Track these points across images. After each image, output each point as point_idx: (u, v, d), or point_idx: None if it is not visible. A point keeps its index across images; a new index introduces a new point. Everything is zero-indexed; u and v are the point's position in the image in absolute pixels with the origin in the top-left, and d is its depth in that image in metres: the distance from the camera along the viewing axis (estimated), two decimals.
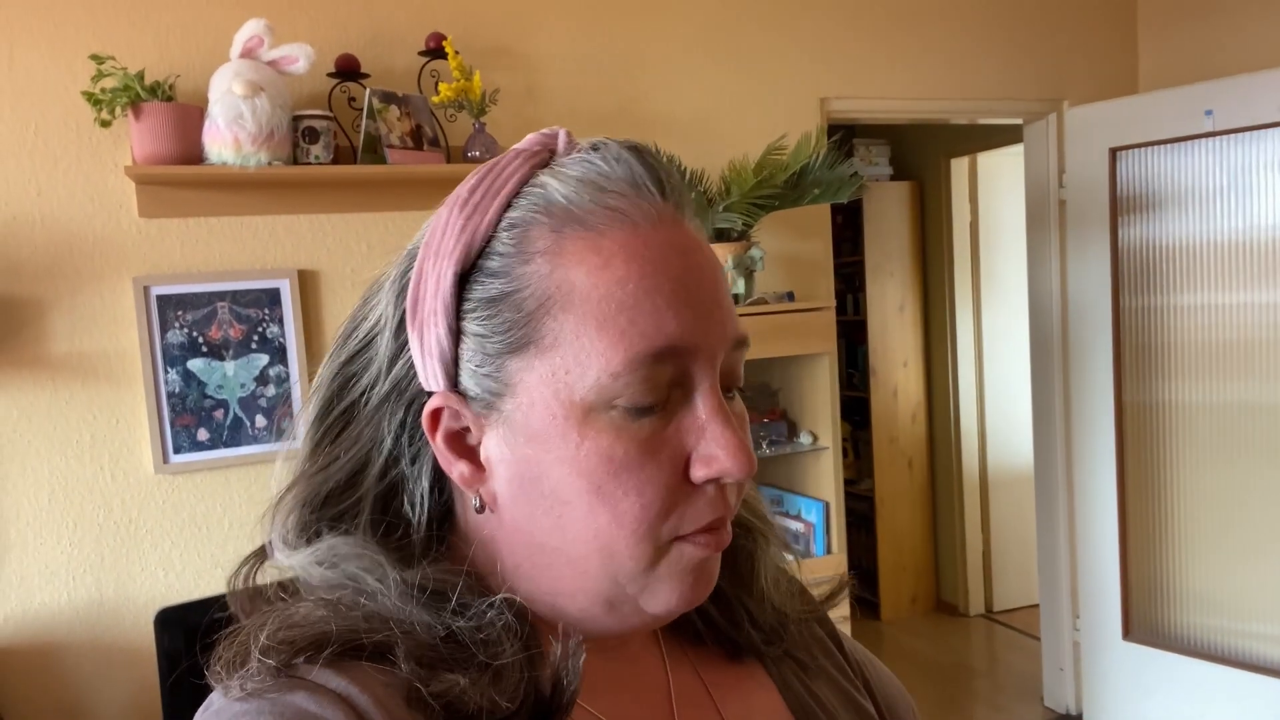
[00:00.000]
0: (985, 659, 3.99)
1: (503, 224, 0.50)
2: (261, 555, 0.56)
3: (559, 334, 0.49)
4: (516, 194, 0.51)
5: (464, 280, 0.50)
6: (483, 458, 0.52)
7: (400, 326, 0.53)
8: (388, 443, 0.54)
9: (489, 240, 0.50)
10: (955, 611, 4.36)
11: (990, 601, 4.34)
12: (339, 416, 0.55)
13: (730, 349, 0.52)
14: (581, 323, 0.48)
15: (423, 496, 0.54)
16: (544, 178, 0.51)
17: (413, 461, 0.54)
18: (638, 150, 0.51)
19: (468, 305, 0.50)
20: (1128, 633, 3.03)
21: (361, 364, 0.55)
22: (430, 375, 0.52)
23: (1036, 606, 3.48)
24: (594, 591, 0.52)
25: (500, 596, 0.50)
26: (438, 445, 0.52)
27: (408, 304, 0.52)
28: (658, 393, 0.49)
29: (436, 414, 0.52)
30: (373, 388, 0.54)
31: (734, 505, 0.53)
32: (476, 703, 0.46)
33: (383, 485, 0.54)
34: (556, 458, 0.49)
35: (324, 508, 0.54)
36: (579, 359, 0.48)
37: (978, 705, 3.54)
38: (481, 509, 0.52)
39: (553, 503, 0.50)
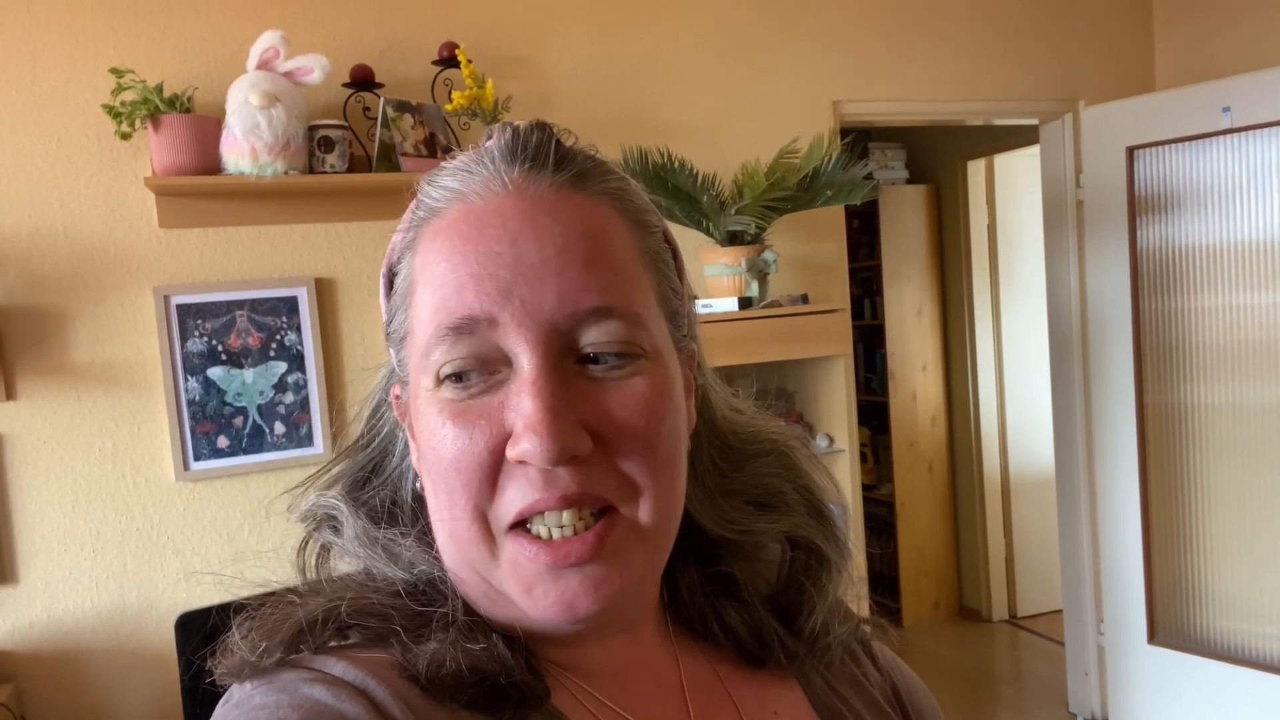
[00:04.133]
0: (1009, 664, 3.95)
1: (407, 228, 0.54)
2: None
3: (414, 319, 0.51)
4: (420, 201, 0.54)
5: (391, 286, 0.55)
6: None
7: None
8: (403, 433, 0.58)
9: (399, 246, 0.55)
10: (978, 617, 4.33)
11: (1014, 606, 4.30)
12: (384, 414, 0.60)
13: (579, 319, 0.48)
14: (420, 303, 0.50)
15: (410, 480, 0.58)
16: (425, 180, 0.53)
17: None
18: (511, 125, 0.52)
19: (389, 307, 0.55)
20: (1153, 636, 2.99)
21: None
22: (398, 370, 0.56)
23: (1060, 611, 3.44)
24: (472, 580, 0.52)
25: (416, 546, 0.54)
26: (406, 430, 0.56)
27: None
28: (467, 367, 0.48)
29: (399, 401, 0.56)
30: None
31: (603, 494, 0.47)
32: (454, 658, 0.48)
33: (400, 469, 0.59)
34: (419, 439, 0.51)
35: (364, 487, 0.58)
36: (418, 340, 0.50)
37: (1002, 711, 3.51)
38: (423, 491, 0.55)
39: (427, 482, 0.52)
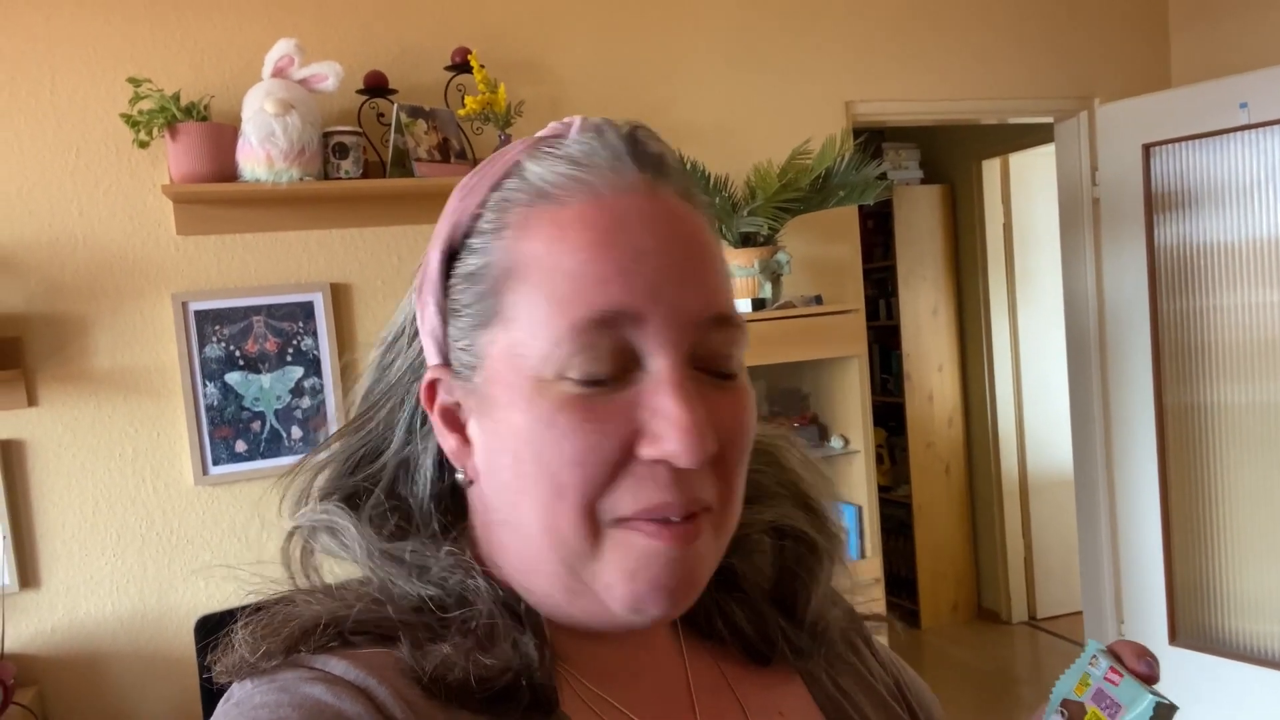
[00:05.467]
0: (1029, 666, 3.92)
1: (489, 204, 0.51)
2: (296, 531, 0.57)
3: (518, 306, 0.49)
4: (506, 176, 0.51)
5: (453, 259, 0.52)
6: (469, 432, 0.52)
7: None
8: (404, 417, 0.56)
9: (476, 219, 0.52)
10: (997, 619, 4.30)
11: (1033, 608, 4.27)
12: (381, 393, 0.58)
13: (706, 326, 0.49)
14: (536, 293, 0.48)
15: (427, 472, 0.56)
16: (526, 159, 0.51)
17: (424, 438, 0.56)
18: (622, 126, 0.51)
19: (453, 281, 0.52)
20: (1174, 638, 2.96)
21: (399, 346, 0.58)
22: (429, 350, 0.54)
23: (1080, 613, 3.42)
24: (551, 574, 0.50)
25: (449, 555, 0.51)
26: (434, 418, 0.53)
27: (415, 285, 0.55)
28: (603, 363, 0.47)
29: (433, 387, 0.53)
30: (402, 366, 0.57)
31: (706, 497, 0.49)
32: (463, 668, 0.47)
33: (400, 457, 0.56)
34: (512, 430, 0.49)
35: (355, 472, 0.56)
36: (532, 330, 0.48)
37: (1022, 713, 3.45)
38: (469, 484, 0.54)
39: (510, 476, 0.49)
